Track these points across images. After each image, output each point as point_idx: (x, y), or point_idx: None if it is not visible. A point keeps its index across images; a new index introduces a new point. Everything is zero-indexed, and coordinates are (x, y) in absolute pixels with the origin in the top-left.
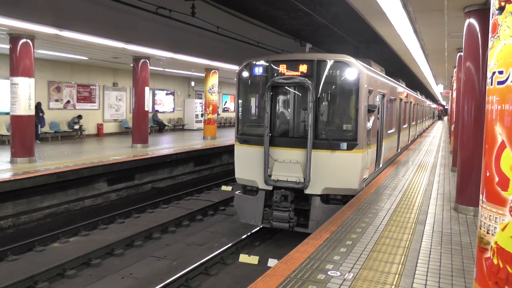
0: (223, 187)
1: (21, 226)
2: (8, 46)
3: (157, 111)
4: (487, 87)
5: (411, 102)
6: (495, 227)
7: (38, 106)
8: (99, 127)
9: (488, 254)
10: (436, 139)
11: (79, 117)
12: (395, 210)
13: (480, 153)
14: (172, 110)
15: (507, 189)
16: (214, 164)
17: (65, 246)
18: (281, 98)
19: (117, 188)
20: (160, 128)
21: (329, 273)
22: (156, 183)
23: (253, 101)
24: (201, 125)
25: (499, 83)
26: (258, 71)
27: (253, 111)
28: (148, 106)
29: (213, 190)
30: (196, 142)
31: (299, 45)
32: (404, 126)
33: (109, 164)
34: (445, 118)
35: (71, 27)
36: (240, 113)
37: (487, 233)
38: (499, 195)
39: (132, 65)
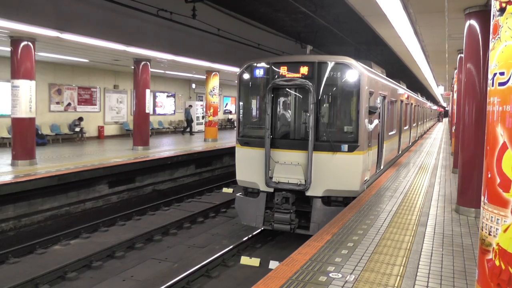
0: (224, 189)
1: (22, 229)
2: (9, 49)
3: (190, 106)
4: (488, 88)
5: (412, 104)
6: (497, 229)
7: None
8: (100, 129)
9: (490, 255)
10: (437, 141)
11: (80, 119)
12: (397, 212)
13: (481, 154)
14: (173, 112)
15: (508, 191)
16: (215, 166)
17: (66, 248)
18: (282, 100)
19: (118, 190)
20: (187, 126)
21: (330, 275)
22: (157, 185)
23: (254, 103)
24: (202, 127)
25: (500, 84)
26: (259, 73)
27: (254, 113)
28: (149, 109)
29: (214, 192)
30: (197, 144)
31: (299, 47)
32: (405, 128)
33: (110, 167)
34: (445, 120)
35: (72, 30)
36: (241, 115)
37: (489, 234)
38: (500, 196)
39: (133, 67)
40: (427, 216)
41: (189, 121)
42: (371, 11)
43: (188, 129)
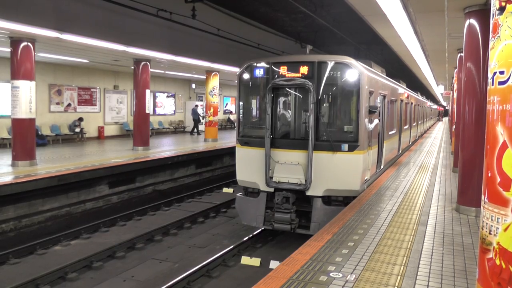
0: (225, 189)
1: (23, 229)
2: (9, 49)
3: (197, 105)
4: (488, 87)
5: (412, 103)
6: (497, 228)
7: None
8: (100, 129)
9: (491, 254)
10: (437, 140)
11: (80, 119)
12: (397, 211)
13: (481, 153)
14: (173, 112)
15: (509, 190)
16: (215, 166)
17: (67, 249)
18: (282, 99)
19: (118, 190)
20: (195, 126)
21: (331, 274)
22: (157, 186)
23: (254, 103)
24: (202, 127)
25: (500, 83)
26: (259, 73)
27: (254, 113)
28: (149, 109)
29: (215, 192)
30: (197, 145)
31: (299, 46)
32: (405, 127)
33: (110, 167)
34: (445, 119)
35: (72, 30)
36: (241, 115)
37: (489, 233)
38: (501, 195)
39: (133, 67)
40: (427, 215)
41: (196, 120)
42: (371, 10)
43: (195, 129)
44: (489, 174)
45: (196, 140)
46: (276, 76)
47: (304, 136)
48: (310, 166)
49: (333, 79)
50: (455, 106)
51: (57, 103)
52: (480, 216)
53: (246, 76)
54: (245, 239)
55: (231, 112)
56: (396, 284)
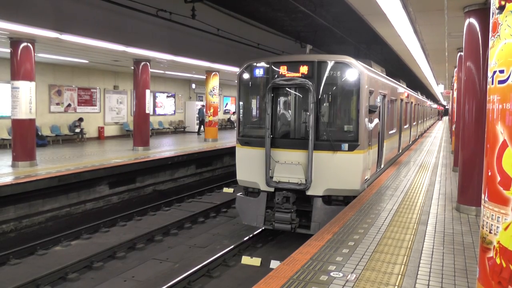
0: (225, 189)
1: (23, 230)
2: (8, 50)
3: (203, 106)
4: (488, 86)
5: (412, 103)
6: (497, 227)
7: None
8: (100, 130)
9: (491, 253)
10: (437, 139)
11: (80, 120)
12: (397, 210)
13: (481, 152)
14: (173, 112)
15: (509, 189)
16: (215, 166)
17: (67, 249)
18: (282, 99)
19: (118, 191)
20: (201, 126)
21: (331, 274)
22: (157, 186)
23: (254, 103)
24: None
25: (500, 82)
26: (259, 72)
27: (254, 112)
28: (149, 109)
29: (215, 192)
30: (197, 144)
31: (299, 46)
32: (405, 127)
33: (110, 167)
34: (445, 118)
35: (72, 31)
36: (241, 115)
37: (490, 232)
38: (501, 194)
39: (132, 68)
40: (427, 214)
41: (202, 120)
42: (371, 10)
43: (202, 129)
44: (489, 173)
45: (196, 140)
46: (276, 76)
47: (304, 135)
48: (310, 166)
49: (333, 79)
50: (455, 105)
51: (57, 104)
52: (481, 215)
53: (246, 76)
54: (245, 239)
55: (233, 113)
56: (397, 284)
